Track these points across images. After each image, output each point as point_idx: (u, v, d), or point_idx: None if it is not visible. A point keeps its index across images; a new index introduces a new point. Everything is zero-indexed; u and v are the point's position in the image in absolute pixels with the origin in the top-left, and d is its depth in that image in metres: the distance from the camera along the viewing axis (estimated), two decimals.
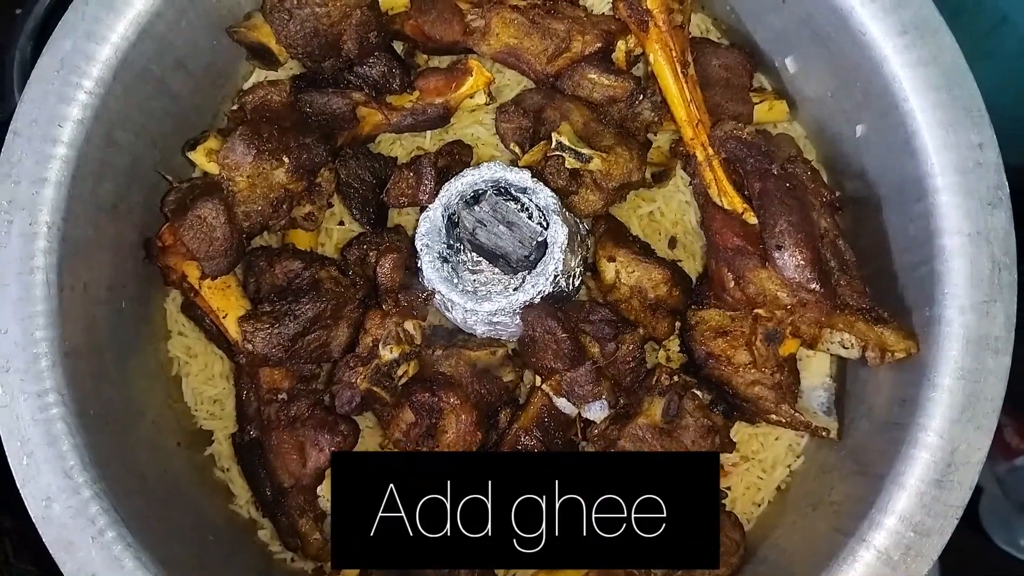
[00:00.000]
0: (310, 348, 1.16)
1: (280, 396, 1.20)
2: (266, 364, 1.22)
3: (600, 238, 1.22)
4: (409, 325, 1.15)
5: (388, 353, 1.18)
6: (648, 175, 1.27)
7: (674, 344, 1.27)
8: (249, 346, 1.19)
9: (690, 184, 1.24)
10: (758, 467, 1.31)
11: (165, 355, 1.36)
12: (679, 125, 1.19)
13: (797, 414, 1.16)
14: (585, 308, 1.21)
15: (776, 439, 1.32)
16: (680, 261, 1.27)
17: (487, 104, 1.28)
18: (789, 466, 1.28)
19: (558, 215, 1.15)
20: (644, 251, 1.27)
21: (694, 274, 1.25)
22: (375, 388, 1.19)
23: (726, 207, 1.14)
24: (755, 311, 1.13)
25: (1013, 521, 1.63)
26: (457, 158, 1.25)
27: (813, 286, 1.10)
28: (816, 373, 1.23)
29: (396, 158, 1.30)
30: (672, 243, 1.30)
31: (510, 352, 1.21)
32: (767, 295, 1.11)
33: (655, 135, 1.33)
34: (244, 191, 1.22)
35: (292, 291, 1.19)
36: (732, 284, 1.15)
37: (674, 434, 1.20)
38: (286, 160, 1.18)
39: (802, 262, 1.11)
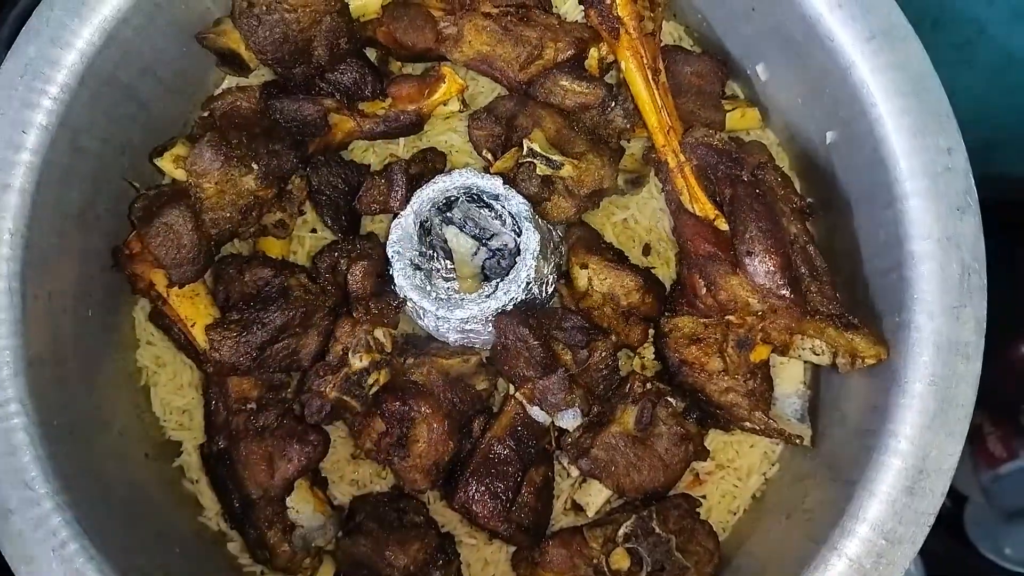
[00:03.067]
0: (279, 357, 1.14)
1: (249, 406, 1.18)
2: (234, 373, 1.21)
3: (573, 245, 1.21)
4: (380, 333, 1.13)
5: (358, 362, 1.16)
6: (621, 182, 1.27)
7: (648, 352, 1.26)
8: (216, 355, 1.17)
9: (662, 191, 1.23)
10: (733, 475, 1.30)
11: (133, 365, 1.34)
12: (651, 132, 1.19)
13: (771, 421, 1.15)
14: (557, 315, 1.20)
15: (751, 447, 1.31)
16: (654, 268, 1.26)
17: (460, 111, 1.27)
18: (764, 474, 1.27)
19: (530, 222, 1.14)
20: (617, 258, 1.27)
21: (668, 281, 1.24)
22: (345, 397, 1.17)
23: (698, 213, 1.13)
24: (726, 317, 1.13)
25: (998, 530, 1.62)
26: (430, 165, 1.24)
27: (783, 292, 1.10)
28: (790, 380, 1.22)
29: (369, 165, 1.28)
30: (646, 250, 1.30)
31: (483, 360, 1.19)
32: (738, 301, 1.10)
33: (628, 142, 1.32)
34: (212, 198, 1.20)
35: (261, 299, 1.17)
36: (704, 291, 1.15)
37: (648, 442, 1.19)
38: (255, 167, 1.17)
39: (772, 268, 1.10)
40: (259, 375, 1.17)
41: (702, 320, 1.22)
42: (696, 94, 1.30)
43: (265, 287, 1.18)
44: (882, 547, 1.01)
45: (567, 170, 1.18)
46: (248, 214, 1.21)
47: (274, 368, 1.16)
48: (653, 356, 1.25)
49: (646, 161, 1.23)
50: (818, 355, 1.13)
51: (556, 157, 1.18)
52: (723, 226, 1.16)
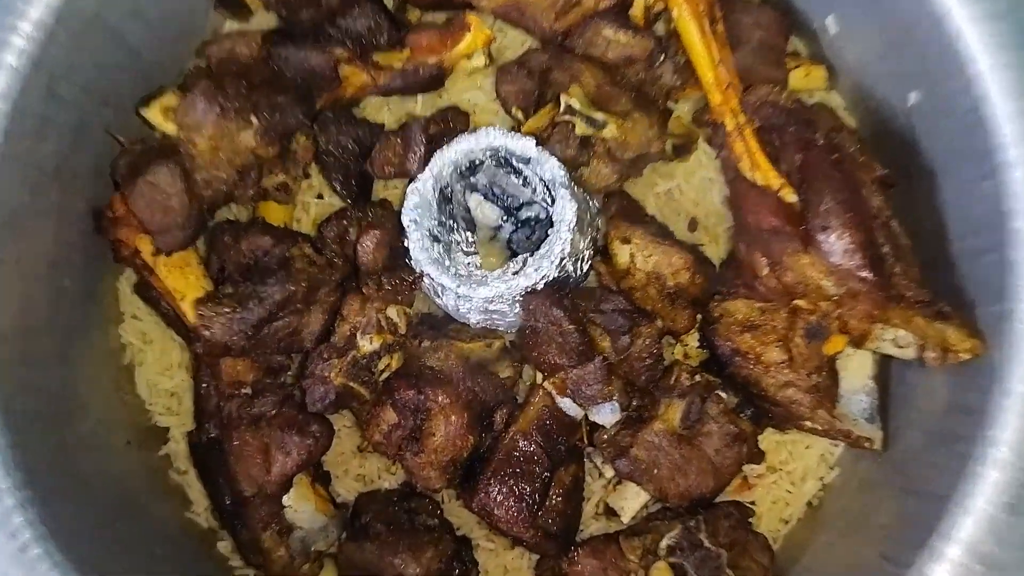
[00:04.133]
0: (278, 337, 1.04)
1: (243, 391, 1.08)
2: (227, 354, 1.08)
3: (613, 217, 1.10)
4: (392, 312, 1.01)
5: (368, 344, 1.03)
6: (667, 147, 1.12)
7: (692, 339, 1.14)
8: (206, 332, 1.04)
9: (717, 157, 1.12)
10: (786, 479, 1.17)
11: (116, 341, 1.22)
12: (705, 89, 1.07)
13: (836, 421, 1.03)
14: (595, 296, 1.07)
15: (807, 448, 1.18)
16: (701, 245, 1.15)
17: (486, 66, 1.16)
18: (821, 479, 1.17)
19: (566, 189, 1.02)
20: (662, 233, 1.13)
21: (717, 260, 1.13)
22: (352, 384, 1.04)
23: (759, 183, 1.02)
24: (794, 303, 0.98)
25: None
26: (451, 125, 1.12)
27: (864, 274, 0.95)
28: (856, 374, 1.08)
29: (383, 125, 1.18)
30: (692, 225, 1.17)
31: (507, 345, 1.09)
32: (809, 284, 0.97)
33: (675, 103, 1.19)
34: (205, 155, 1.07)
35: (259, 271, 1.07)
36: (766, 271, 1.00)
37: (695, 442, 1.05)
38: (254, 121, 1.07)
39: (851, 245, 0.96)
40: (255, 357, 1.07)
41: (758, 305, 1.08)
42: (756, 48, 1.15)
43: (264, 257, 1.08)
44: (979, 574, 0.86)
45: (610, 130, 1.04)
46: (246, 175, 1.10)
47: (272, 349, 1.07)
48: (698, 344, 1.14)
49: (697, 123, 1.13)
50: (901, 347, 0.98)
51: (598, 115, 1.04)
52: (790, 197, 1.02)
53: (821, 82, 1.20)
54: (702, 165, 1.17)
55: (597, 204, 1.15)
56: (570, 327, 1.00)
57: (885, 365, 1.12)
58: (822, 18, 1.16)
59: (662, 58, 1.11)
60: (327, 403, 1.03)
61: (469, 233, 1.14)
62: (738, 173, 1.06)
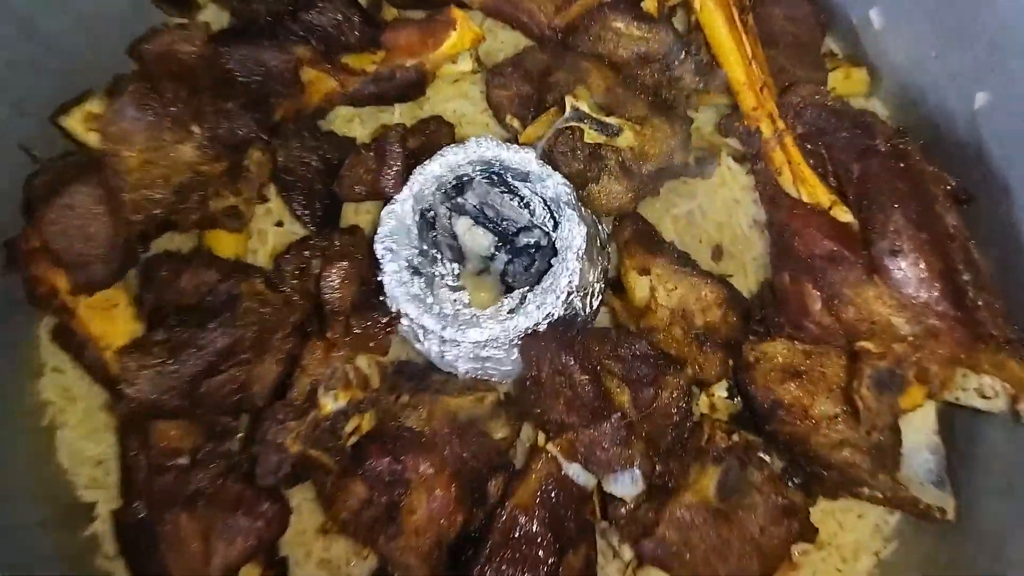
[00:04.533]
0: (221, 393, 0.91)
1: (179, 460, 0.93)
2: (159, 415, 0.89)
3: (627, 244, 0.98)
4: (363, 362, 0.90)
5: (331, 402, 0.87)
6: (693, 159, 0.96)
7: (719, 387, 0.99)
8: (131, 389, 0.86)
9: (748, 172, 1.01)
10: (836, 556, 1.01)
11: (34, 398, 1.05)
12: (735, 91, 0.95)
13: (900, 487, 0.89)
14: (611, 339, 0.92)
15: (859, 517, 1.02)
16: (729, 276, 1.03)
17: (474, 72, 1.08)
18: (876, 554, 1.02)
19: (573, 209, 0.91)
20: (685, 262, 0.98)
21: (746, 294, 1.02)
22: (313, 452, 0.87)
23: (805, 199, 0.90)
24: (858, 345, 0.81)
25: None
26: (434, 139, 1.03)
27: (945, 308, 0.77)
28: (918, 428, 0.92)
29: (354, 139, 1.09)
30: (717, 253, 1.06)
31: (502, 398, 0.97)
32: (876, 322, 0.82)
33: (695, 111, 1.05)
34: (135, 172, 0.93)
35: (201, 312, 0.93)
36: (819, 306, 0.85)
37: (735, 517, 0.89)
38: (196, 131, 0.94)
39: (927, 273, 0.79)
40: (195, 418, 0.92)
41: (801, 347, 0.92)
42: (789, 46, 1.03)
43: (208, 296, 0.94)
44: None
45: (626, 138, 0.89)
46: (187, 196, 0.97)
47: (215, 409, 0.92)
48: (727, 394, 0.99)
49: (725, 132, 1.01)
50: (988, 398, 0.81)
51: (612, 120, 0.87)
52: (844, 216, 0.86)
53: (862, 86, 1.08)
54: (726, 183, 1.06)
55: (606, 229, 1.02)
56: (582, 378, 0.86)
57: (947, 416, 0.96)
58: (864, 11, 1.03)
59: (682, 55, 0.97)
60: (282, 476, 0.89)
61: (456, 264, 1.02)
62: (778, 189, 0.92)
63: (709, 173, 1.04)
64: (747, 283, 1.04)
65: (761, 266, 1.04)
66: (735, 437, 0.90)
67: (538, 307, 0.89)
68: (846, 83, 1.05)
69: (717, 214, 1.06)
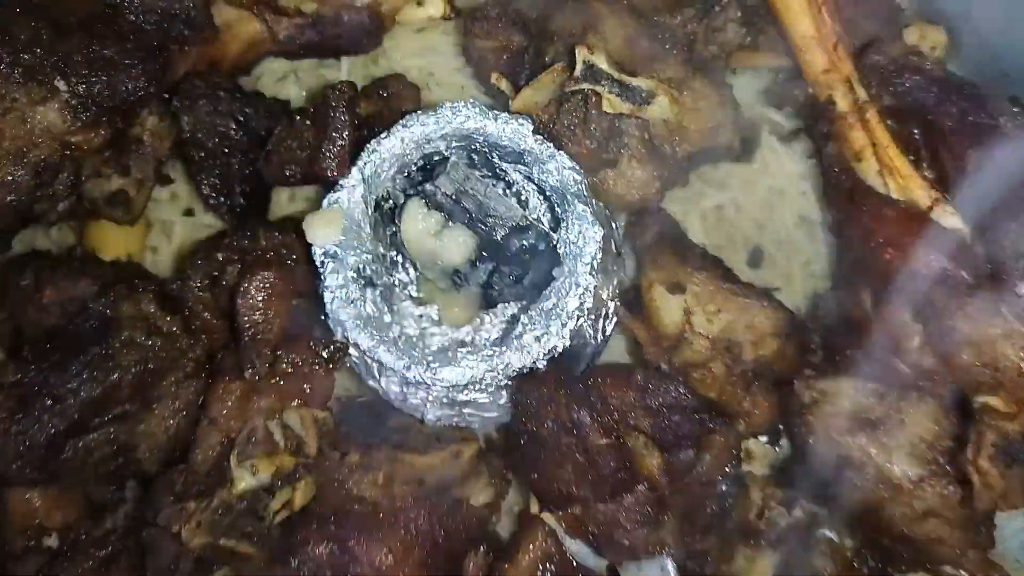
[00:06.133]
0: (93, 459, 0.70)
1: (44, 542, 0.75)
2: (11, 484, 0.71)
3: (650, 250, 0.80)
4: (294, 417, 0.68)
5: (248, 477, 0.66)
6: (737, 140, 0.82)
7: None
8: None
9: (814, 156, 0.84)
10: None
11: None
12: (799, 47, 0.79)
13: (995, 566, 0.75)
14: (636, 382, 0.74)
15: None
16: (776, 289, 0.85)
17: (446, 18, 0.93)
18: None
19: (585, 204, 0.74)
20: (725, 275, 0.79)
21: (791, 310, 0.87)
22: (225, 542, 0.66)
23: (895, 195, 0.71)
24: (980, 400, 0.64)
25: None
26: (392, 105, 0.87)
27: None
28: None
29: (287, 103, 0.93)
30: (755, 257, 0.90)
31: (483, 445, 0.80)
32: (1003, 369, 0.65)
33: (734, 73, 0.88)
34: None
35: (67, 341, 0.72)
36: (917, 342, 0.69)
37: None
38: (62, 86, 0.75)
39: None
40: (62, 487, 0.74)
41: (872, 385, 0.75)
42: None
43: (79, 317, 0.74)
44: None
45: (660, 106, 0.75)
46: (51, 177, 0.77)
47: (89, 477, 0.71)
48: (766, 439, 0.85)
49: (777, 102, 0.84)
50: None
51: (641, 82, 0.68)
52: (951, 221, 0.68)
53: (939, 49, 0.90)
54: (768, 169, 0.91)
55: (620, 227, 0.83)
56: (601, 441, 0.69)
57: None
58: None
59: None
60: (178, 573, 0.65)
61: (416, 270, 0.85)
62: (856, 181, 0.74)
63: (747, 157, 0.86)
64: (792, 298, 0.89)
65: (810, 275, 0.90)
66: (796, 512, 0.72)
67: (538, 339, 0.72)
68: (919, 45, 0.87)
69: (756, 209, 0.91)
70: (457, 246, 0.79)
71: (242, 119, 0.88)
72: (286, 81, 0.96)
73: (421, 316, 0.83)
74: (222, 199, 0.87)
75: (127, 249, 0.87)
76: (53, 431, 0.67)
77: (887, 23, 0.85)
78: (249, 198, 0.88)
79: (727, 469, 0.73)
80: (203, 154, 0.86)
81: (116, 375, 0.69)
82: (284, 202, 0.92)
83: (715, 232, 0.91)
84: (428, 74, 0.95)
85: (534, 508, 0.78)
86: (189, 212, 0.92)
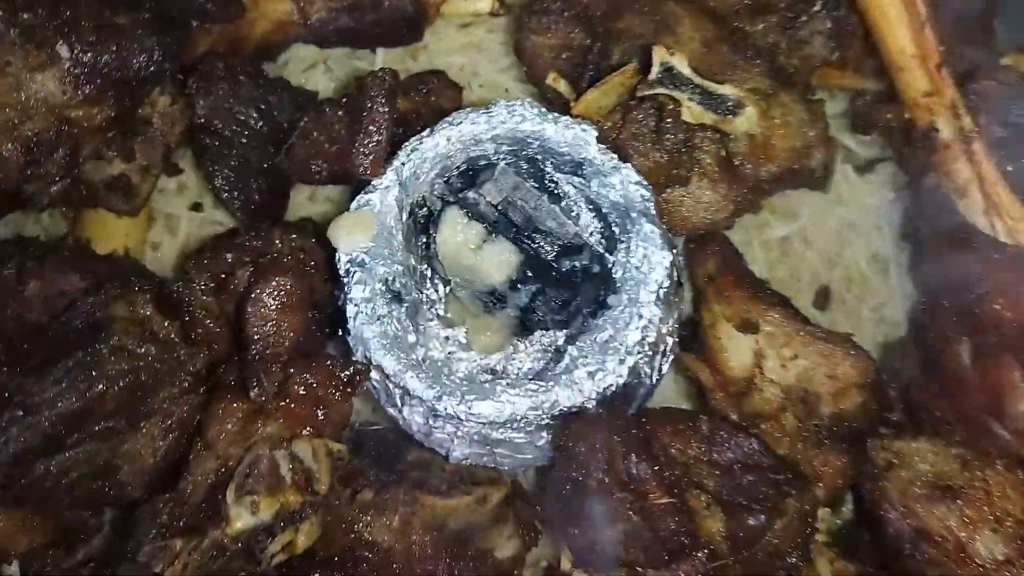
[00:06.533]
0: (68, 481, 0.64)
1: (4, 570, 0.71)
2: None
3: (714, 280, 0.74)
4: (304, 447, 0.59)
5: (246, 515, 0.58)
6: (819, 164, 0.76)
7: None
8: None
9: (904, 188, 0.79)
10: None
11: None
12: (898, 66, 0.73)
13: None
14: (700, 431, 0.65)
15: None
16: (851, 335, 0.78)
17: (495, 13, 0.89)
18: None
19: (653, 225, 0.67)
20: (799, 316, 0.73)
21: None
22: None
23: (1002, 237, 0.66)
24: None
25: None
26: (432, 101, 0.83)
27: None
28: None
29: (316, 94, 0.88)
30: (822, 298, 0.83)
31: (509, 496, 0.73)
32: None
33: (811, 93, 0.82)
34: None
35: (51, 342, 0.67)
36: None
37: None
38: (64, 53, 0.70)
39: None
40: (32, 511, 0.69)
41: (955, 450, 0.69)
42: (951, 19, 0.76)
43: (64, 316, 0.69)
44: None
45: (748, 118, 0.68)
46: (44, 154, 0.72)
47: (62, 499, 0.65)
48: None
49: (862, 127, 0.77)
50: None
51: (728, 90, 0.61)
52: None
53: None
54: (842, 200, 0.86)
55: (681, 255, 0.77)
56: (662, 501, 0.59)
57: None
58: None
59: (816, 6, 0.72)
60: None
61: (446, 286, 0.78)
62: (957, 218, 0.67)
63: (822, 184, 0.78)
64: (866, 343, 0.80)
65: (881, 320, 0.84)
66: None
67: (591, 375, 0.63)
68: None
69: (826, 243, 0.85)
70: (499, 263, 0.71)
71: (264, 107, 0.83)
72: (315, 70, 0.91)
73: (448, 339, 0.76)
74: (235, 194, 0.82)
75: (125, 243, 0.83)
76: (22, 446, 0.60)
77: (985, 48, 0.78)
78: (265, 195, 0.83)
79: (799, 540, 0.63)
80: (218, 143, 0.81)
81: (101, 386, 0.63)
82: (303, 201, 0.87)
83: (779, 266, 0.85)
84: (472, 73, 0.90)
85: (565, 565, 0.69)
86: (197, 206, 0.87)
